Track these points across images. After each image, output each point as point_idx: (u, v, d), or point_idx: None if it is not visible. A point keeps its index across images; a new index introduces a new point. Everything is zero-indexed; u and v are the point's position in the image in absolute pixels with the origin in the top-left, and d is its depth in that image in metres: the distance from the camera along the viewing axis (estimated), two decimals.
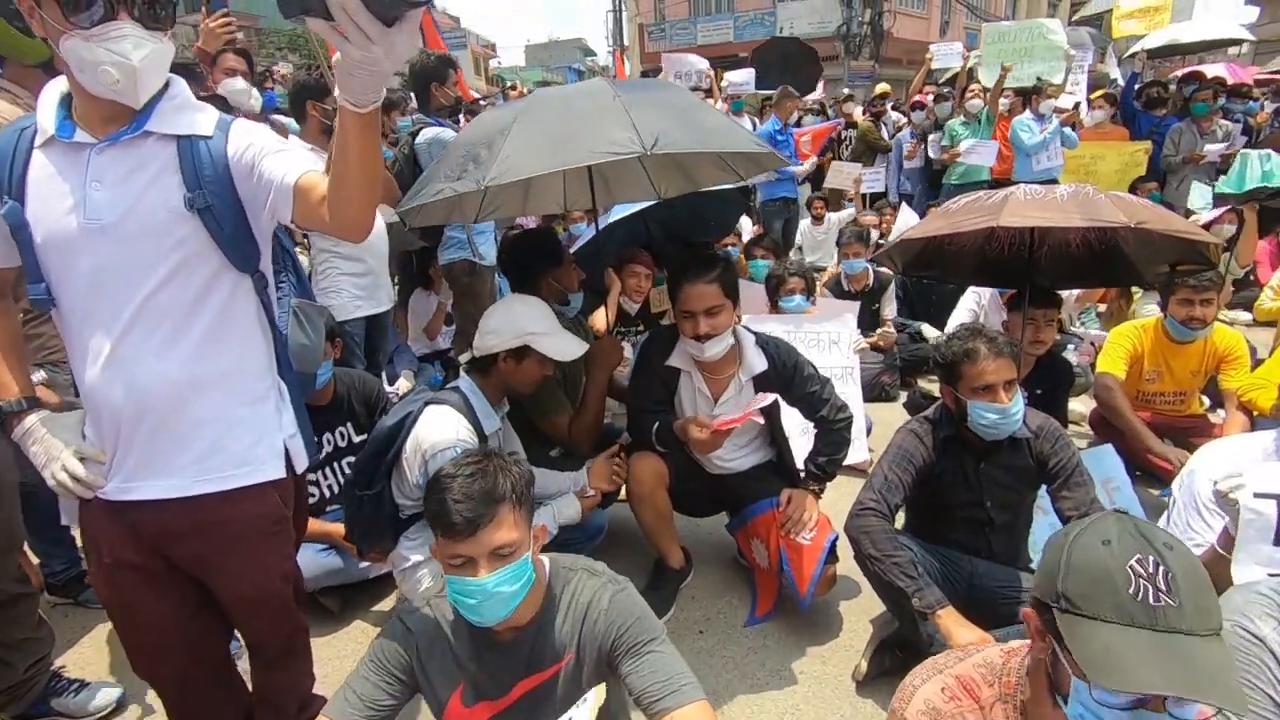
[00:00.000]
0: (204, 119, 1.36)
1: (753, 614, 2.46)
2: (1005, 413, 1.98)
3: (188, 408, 1.36)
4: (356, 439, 2.70)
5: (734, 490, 2.50)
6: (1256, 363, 3.45)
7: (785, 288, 3.90)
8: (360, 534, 2.16)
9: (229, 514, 1.42)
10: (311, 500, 2.59)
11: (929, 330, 4.67)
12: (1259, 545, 1.63)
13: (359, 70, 1.03)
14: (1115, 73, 7.95)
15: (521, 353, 2.14)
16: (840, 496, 2.64)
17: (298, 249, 3.36)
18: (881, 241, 5.23)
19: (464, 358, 2.21)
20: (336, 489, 2.64)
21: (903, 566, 1.92)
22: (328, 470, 2.66)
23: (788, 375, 2.37)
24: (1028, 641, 1.26)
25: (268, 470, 1.45)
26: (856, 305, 3.89)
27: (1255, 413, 2.80)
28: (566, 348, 2.19)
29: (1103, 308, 4.73)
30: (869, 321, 4.58)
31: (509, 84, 4.68)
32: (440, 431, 1.98)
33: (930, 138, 6.84)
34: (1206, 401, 3.58)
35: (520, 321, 2.13)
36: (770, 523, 2.36)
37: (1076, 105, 7.11)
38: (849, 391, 3.49)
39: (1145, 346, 3.25)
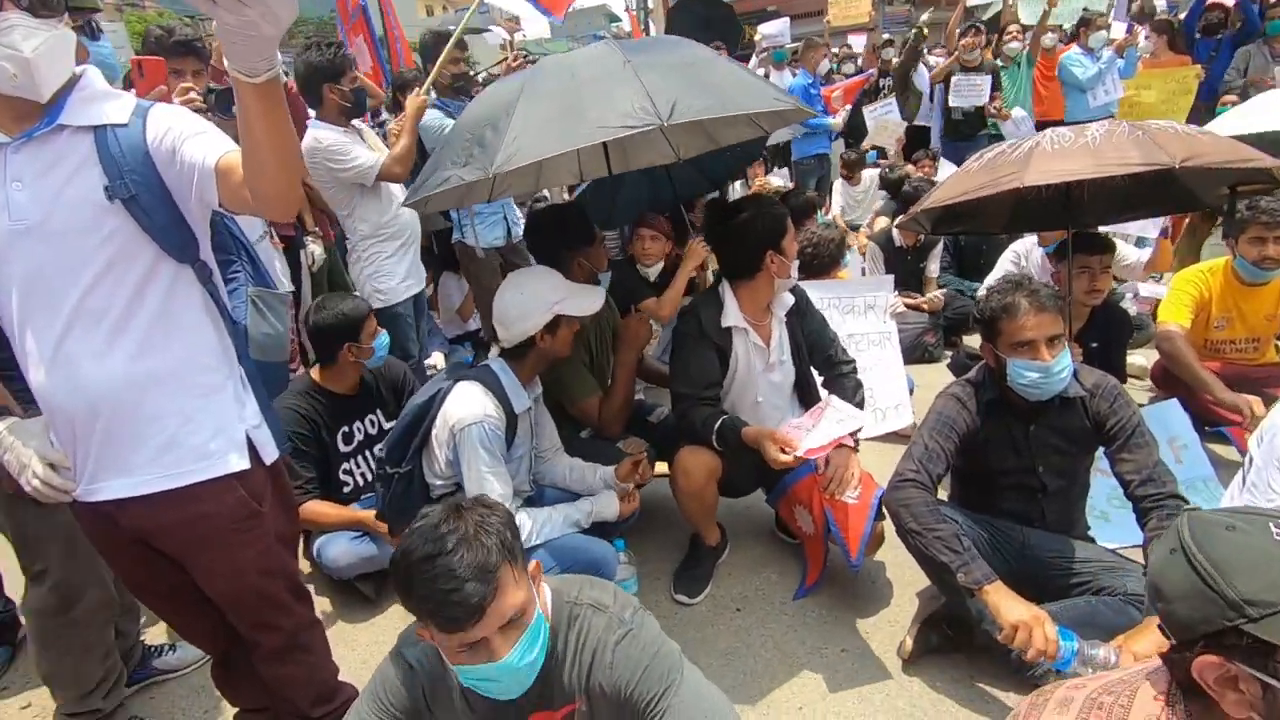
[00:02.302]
0: (118, 107, 1.32)
1: (803, 585, 2.39)
2: (1048, 371, 1.84)
3: (138, 404, 1.34)
4: (387, 426, 2.70)
5: None
6: None
7: None
8: (393, 513, 2.16)
9: (192, 511, 1.40)
10: (345, 489, 2.62)
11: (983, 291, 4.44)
12: None
13: (237, 36, 0.98)
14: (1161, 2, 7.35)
15: (554, 325, 2.12)
16: (884, 464, 2.53)
17: (310, 238, 3.42)
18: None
19: (494, 352, 2.16)
20: (370, 477, 2.65)
21: (946, 540, 1.81)
22: (359, 459, 2.68)
23: (804, 305, 2.45)
24: (1144, 671, 1.05)
25: (229, 463, 1.42)
26: (892, 277, 3.70)
27: None
28: (591, 302, 2.19)
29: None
30: (914, 281, 4.44)
31: (508, 58, 4.49)
32: (467, 407, 1.98)
33: (954, 79, 6.42)
34: None
35: (542, 297, 2.10)
36: (812, 486, 2.27)
37: (1130, 29, 6.62)
38: (887, 356, 3.35)
39: (1213, 291, 3.00)
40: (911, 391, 3.43)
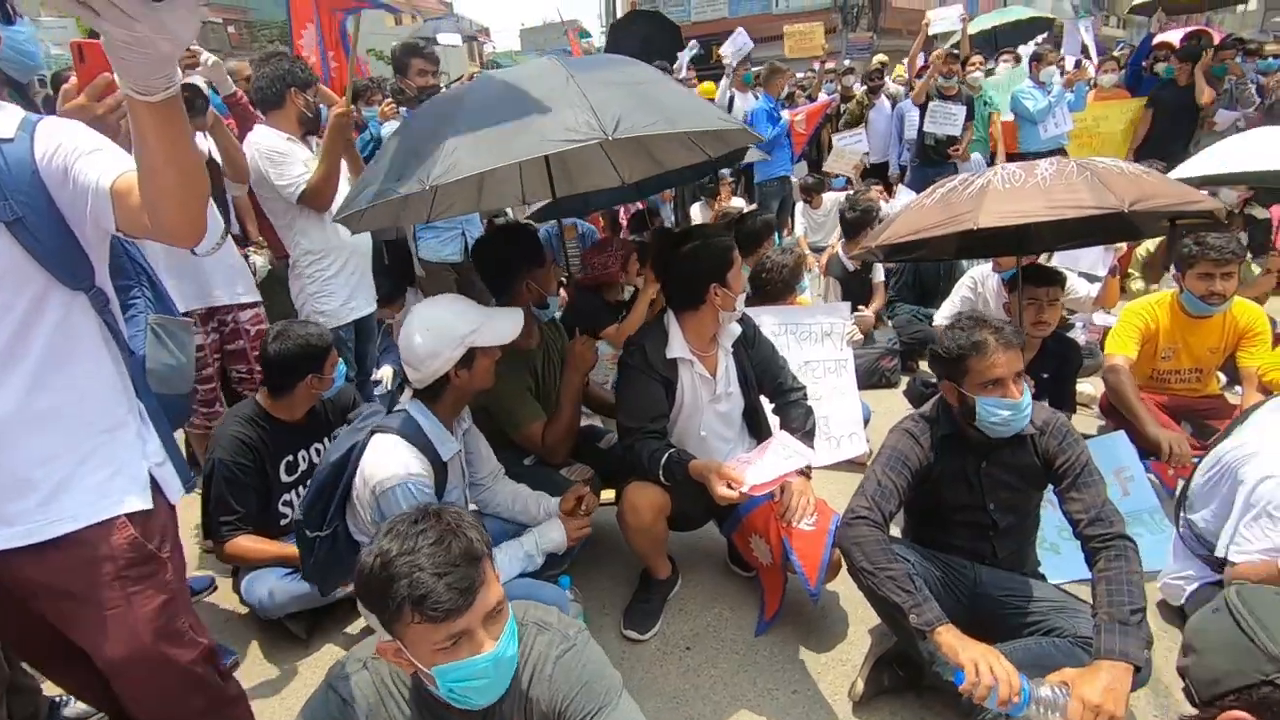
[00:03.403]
0: (2, 119, 1.21)
1: (762, 619, 2.33)
2: (1018, 408, 1.83)
3: (26, 445, 1.22)
4: None
5: None
6: (1277, 338, 3.27)
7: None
8: (319, 574, 2.01)
9: (83, 556, 1.26)
10: (283, 521, 2.48)
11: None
12: None
13: (129, 53, 0.89)
14: (1087, 38, 7.71)
15: (468, 359, 1.96)
16: (838, 491, 2.50)
17: (252, 249, 3.26)
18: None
19: (407, 394, 2.01)
20: None
21: (898, 580, 1.76)
22: (300, 489, 2.54)
23: (752, 334, 2.38)
24: None
25: (130, 502, 1.31)
26: (848, 305, 3.70)
27: (1276, 394, 2.62)
28: (506, 327, 2.02)
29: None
30: (863, 292, 4.53)
31: (465, 75, 4.41)
32: (388, 466, 1.80)
33: (931, 105, 6.58)
34: (1224, 379, 3.40)
35: (451, 331, 1.91)
36: (768, 515, 2.21)
37: (1078, 64, 6.86)
38: (842, 384, 3.34)
39: (1160, 323, 3.05)
40: (868, 419, 3.42)
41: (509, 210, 5.05)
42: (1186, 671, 0.97)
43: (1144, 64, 6.38)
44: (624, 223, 5.65)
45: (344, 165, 2.90)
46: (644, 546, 2.29)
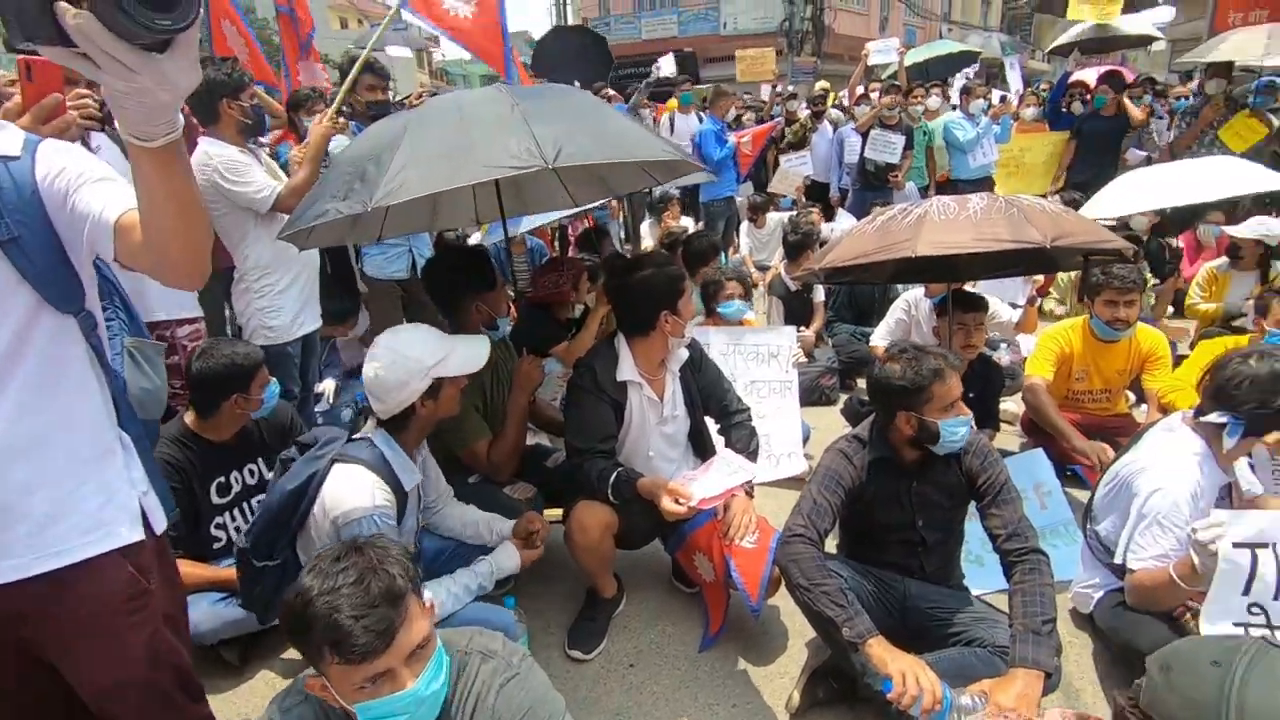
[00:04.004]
0: (6, 138, 1.18)
1: (706, 635, 2.38)
2: (969, 422, 1.96)
3: (12, 473, 1.18)
4: (269, 475, 2.51)
5: None
6: (1178, 359, 3.55)
7: (723, 293, 3.81)
8: (262, 604, 1.96)
9: (78, 592, 1.24)
10: (215, 545, 2.41)
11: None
12: (1231, 595, 1.64)
13: (129, 102, 0.89)
14: (1017, 74, 8.21)
15: (434, 388, 1.96)
16: (779, 508, 2.58)
17: None
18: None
19: (371, 423, 1.99)
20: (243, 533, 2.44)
21: (832, 595, 1.85)
22: (234, 512, 2.48)
23: (698, 358, 2.45)
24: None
25: (123, 533, 1.28)
26: (794, 329, 3.85)
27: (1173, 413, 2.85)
28: (473, 356, 2.03)
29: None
30: (804, 311, 4.70)
31: (413, 94, 4.38)
32: (353, 497, 1.78)
33: (873, 133, 6.88)
34: (1132, 398, 3.66)
35: (418, 362, 1.91)
36: (711, 533, 2.28)
37: (1003, 99, 7.30)
38: (786, 404, 3.45)
39: (1074, 347, 3.28)
40: (807, 436, 3.54)
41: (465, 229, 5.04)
42: (1148, 692, 1.03)
43: (1061, 100, 6.83)
44: (572, 239, 5.69)
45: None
46: (591, 564, 2.32)
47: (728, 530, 2.18)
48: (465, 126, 1.86)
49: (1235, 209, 5.22)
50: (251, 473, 2.52)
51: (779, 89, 9.64)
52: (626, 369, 2.28)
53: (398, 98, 5.20)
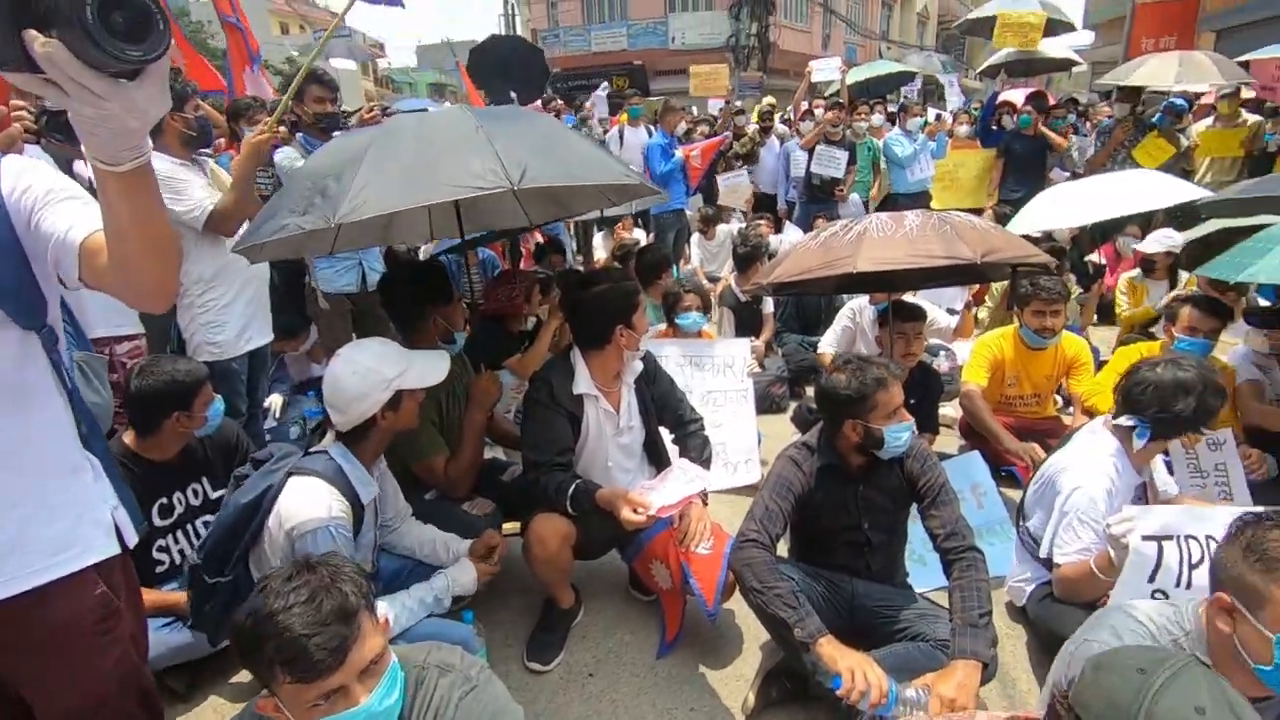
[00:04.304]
0: None
1: (663, 641, 2.42)
2: (911, 428, 2.06)
3: None
4: (214, 495, 2.45)
5: None
6: (1100, 364, 3.78)
7: (681, 304, 3.88)
8: (213, 623, 1.92)
9: (51, 611, 1.21)
10: (159, 569, 2.34)
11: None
12: (1139, 583, 1.78)
13: (97, 128, 0.89)
14: (956, 93, 8.66)
15: (395, 401, 1.98)
16: (733, 515, 2.65)
17: None
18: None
19: (330, 436, 1.99)
20: (189, 554, 2.38)
21: (784, 597, 1.92)
22: (178, 534, 2.41)
23: (653, 370, 2.50)
24: (1019, 716, 1.28)
25: (98, 548, 1.26)
26: (748, 341, 3.96)
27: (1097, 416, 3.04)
28: (434, 368, 2.05)
29: None
30: (753, 322, 4.82)
31: (364, 108, 4.31)
32: (309, 508, 1.77)
33: (818, 149, 7.11)
34: (1060, 401, 3.88)
35: (379, 374, 1.93)
36: (668, 541, 2.33)
37: (938, 116, 7.65)
38: (742, 412, 3.54)
39: (1005, 354, 3.47)
40: (759, 443, 3.64)
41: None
42: (1073, 686, 1.11)
43: (991, 119, 7.20)
44: (527, 251, 5.70)
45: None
46: (549, 576, 2.34)
47: (683, 538, 2.24)
48: (430, 145, 1.88)
49: (1150, 222, 5.59)
50: (195, 493, 2.45)
51: (727, 104, 9.86)
52: (582, 382, 2.32)
53: (343, 108, 5.12)
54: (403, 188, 1.79)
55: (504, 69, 8.28)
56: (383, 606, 1.91)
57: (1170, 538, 1.78)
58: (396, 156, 1.88)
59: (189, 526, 2.42)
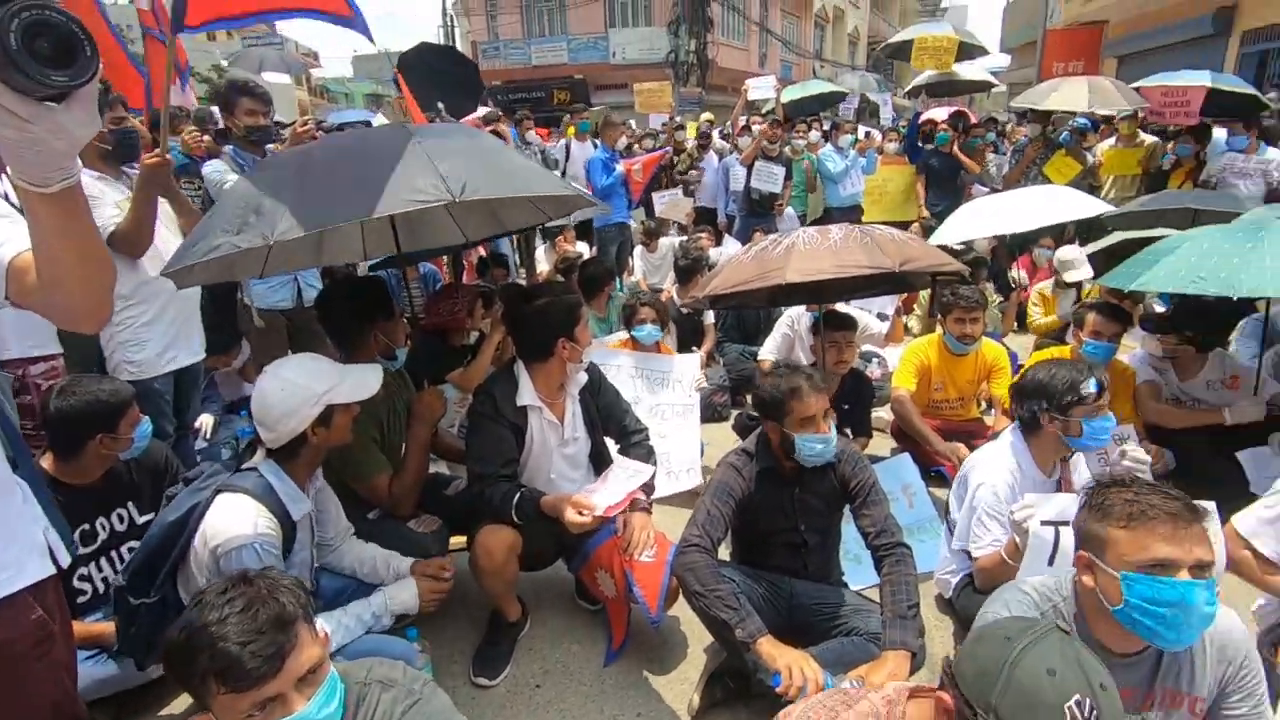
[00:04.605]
0: None
1: (609, 650, 2.45)
2: (827, 441, 2.14)
3: None
4: (140, 520, 2.36)
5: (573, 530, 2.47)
6: (1019, 368, 4.02)
7: (637, 317, 3.94)
8: (140, 647, 1.86)
9: None
10: (81, 598, 2.23)
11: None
12: (1039, 566, 1.91)
13: (23, 150, 0.88)
14: (889, 110, 9.10)
15: (326, 416, 1.95)
16: (676, 523, 2.70)
17: None
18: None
19: (260, 454, 1.95)
20: (113, 581, 2.28)
21: (725, 599, 1.99)
22: (102, 561, 2.30)
23: (597, 380, 2.54)
24: (904, 687, 1.34)
25: (31, 570, 1.22)
26: (697, 356, 4.06)
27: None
28: (365, 382, 2.03)
29: None
30: (695, 333, 4.93)
31: (299, 122, 4.17)
32: (235, 525, 1.74)
33: (756, 164, 7.31)
34: (983, 404, 4.10)
35: (308, 389, 1.90)
36: (612, 549, 2.37)
37: (868, 134, 8.02)
38: (688, 424, 3.63)
39: (931, 360, 3.66)
40: (702, 452, 3.72)
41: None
42: (956, 656, 1.20)
43: (916, 136, 7.58)
44: (469, 264, 5.67)
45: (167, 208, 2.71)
46: (496, 588, 2.35)
47: (627, 546, 2.29)
48: (367, 161, 1.87)
49: (1063, 234, 5.98)
50: (120, 518, 2.36)
51: (670, 120, 10.06)
52: (526, 394, 2.34)
53: (276, 118, 5.00)
54: (341, 203, 1.78)
55: (434, 79, 8.17)
56: (319, 623, 1.88)
57: (1066, 523, 1.93)
58: (334, 173, 1.87)
59: (113, 553, 2.32)
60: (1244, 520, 2.04)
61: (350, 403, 2.00)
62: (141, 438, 2.29)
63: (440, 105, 7.52)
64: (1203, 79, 6.19)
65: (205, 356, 3.15)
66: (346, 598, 2.18)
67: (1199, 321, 3.31)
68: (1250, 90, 6.48)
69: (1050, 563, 1.93)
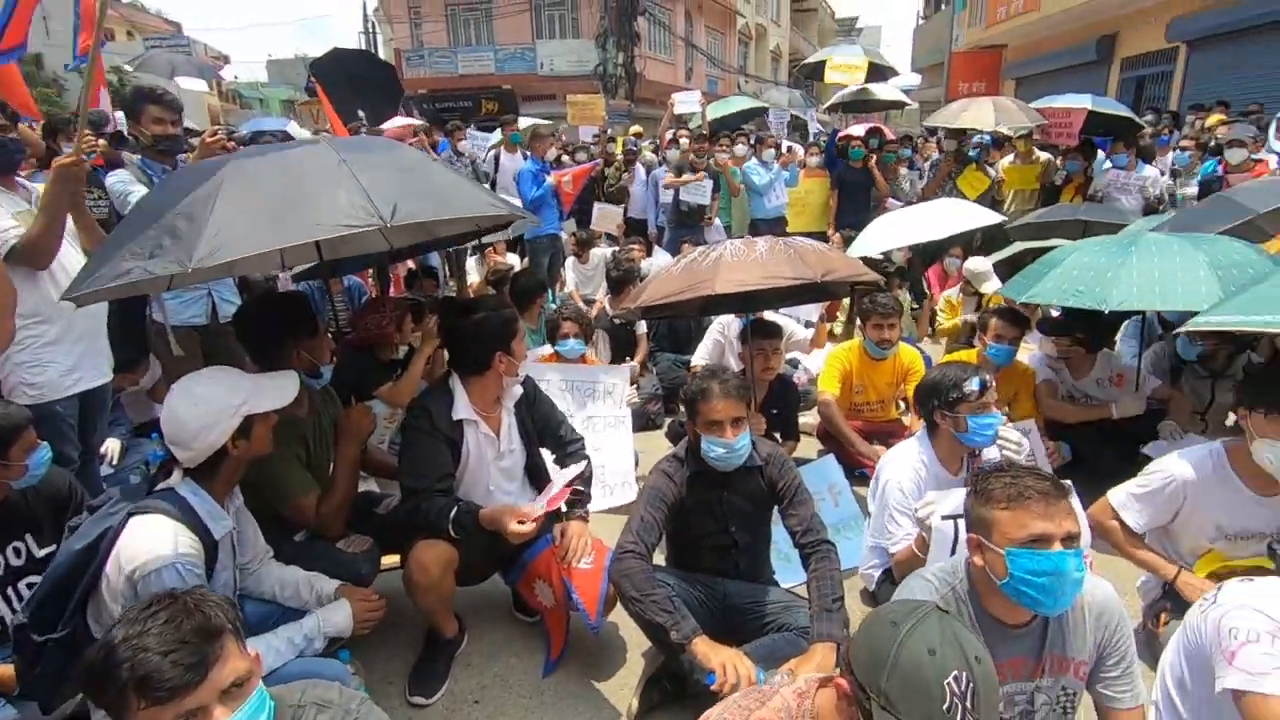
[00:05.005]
0: None
1: (548, 660, 2.45)
2: (730, 447, 2.21)
3: None
4: (40, 553, 2.21)
5: (510, 541, 2.46)
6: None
7: (560, 332, 3.96)
8: (46, 687, 1.73)
9: None
10: None
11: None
12: (942, 555, 2.04)
13: None
14: (815, 125, 9.55)
15: (245, 427, 1.90)
16: (612, 533, 2.72)
17: None
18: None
19: (176, 476, 1.87)
20: (10, 620, 2.12)
21: (660, 603, 2.04)
22: None
23: (532, 393, 2.55)
24: (814, 678, 1.41)
25: None
26: (628, 367, 4.11)
27: None
28: (283, 390, 1.98)
29: None
30: (628, 342, 5.01)
31: (208, 132, 3.97)
32: (152, 547, 1.66)
33: (685, 177, 7.46)
34: (902, 405, 4.32)
35: (223, 401, 1.85)
36: (550, 559, 2.38)
37: (790, 149, 8.34)
38: (619, 437, 3.68)
39: (853, 365, 3.84)
40: (637, 462, 3.77)
41: (281, 275, 4.71)
42: (851, 644, 1.28)
43: (834, 151, 7.92)
44: (397, 277, 5.56)
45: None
46: (432, 604, 2.32)
47: (565, 554, 2.31)
48: (291, 181, 1.82)
49: (971, 244, 6.37)
50: (17, 551, 2.20)
51: (602, 132, 10.16)
52: (462, 408, 2.34)
53: (188, 124, 4.79)
54: (266, 228, 1.72)
55: (352, 85, 7.93)
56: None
57: (964, 515, 2.08)
58: (255, 193, 1.80)
59: (11, 590, 2.17)
60: (1116, 494, 2.25)
61: (269, 411, 1.95)
62: (39, 465, 2.15)
63: (361, 114, 7.35)
64: (1084, 101, 6.77)
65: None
66: (272, 624, 2.11)
67: (1087, 324, 3.60)
68: (1126, 113, 7.13)
69: (952, 553, 2.07)
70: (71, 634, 1.69)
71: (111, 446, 3.50)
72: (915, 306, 5.94)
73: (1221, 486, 2.13)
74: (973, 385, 2.36)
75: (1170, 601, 2.24)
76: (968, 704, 1.11)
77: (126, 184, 3.16)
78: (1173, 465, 2.18)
